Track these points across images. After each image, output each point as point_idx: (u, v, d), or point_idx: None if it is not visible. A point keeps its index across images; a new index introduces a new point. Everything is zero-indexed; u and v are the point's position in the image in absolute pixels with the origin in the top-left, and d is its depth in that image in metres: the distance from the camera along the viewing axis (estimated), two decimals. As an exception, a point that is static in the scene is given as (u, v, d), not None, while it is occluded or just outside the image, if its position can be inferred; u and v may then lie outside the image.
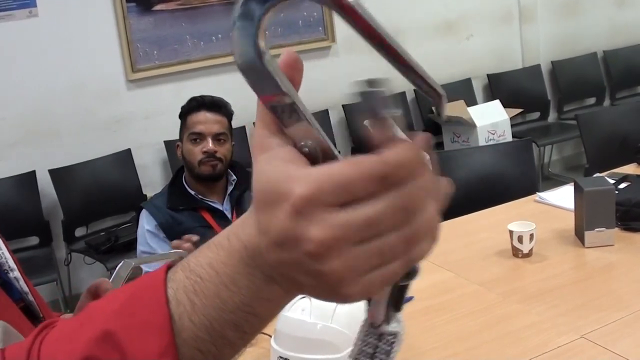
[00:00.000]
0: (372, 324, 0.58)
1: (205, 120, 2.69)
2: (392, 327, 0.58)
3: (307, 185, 0.47)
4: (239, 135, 4.53)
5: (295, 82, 0.53)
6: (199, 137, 2.68)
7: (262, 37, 0.51)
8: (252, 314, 0.55)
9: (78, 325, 0.58)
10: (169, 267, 0.58)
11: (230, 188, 2.78)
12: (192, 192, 2.72)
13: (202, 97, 2.77)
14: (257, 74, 0.51)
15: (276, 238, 0.49)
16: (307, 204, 0.46)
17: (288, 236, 0.48)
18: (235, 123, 4.36)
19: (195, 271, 0.55)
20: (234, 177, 2.79)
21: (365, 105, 0.48)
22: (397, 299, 0.57)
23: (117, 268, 1.46)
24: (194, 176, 2.71)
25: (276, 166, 0.50)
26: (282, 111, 0.52)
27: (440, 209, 0.51)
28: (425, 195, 0.49)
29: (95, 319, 0.57)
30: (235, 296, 0.54)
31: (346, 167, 0.47)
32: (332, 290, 0.49)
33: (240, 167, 2.83)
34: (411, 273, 0.53)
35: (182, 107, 2.77)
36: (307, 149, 0.51)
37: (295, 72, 0.53)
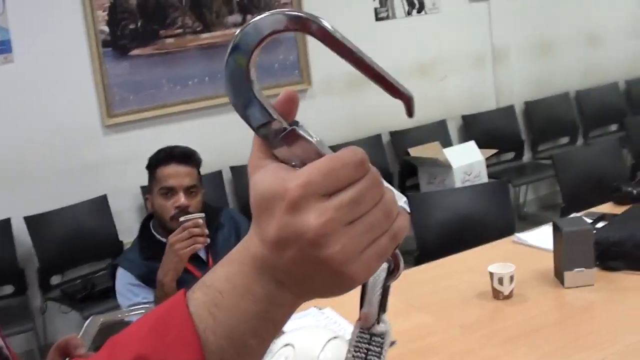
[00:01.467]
0: (362, 327, 0.64)
1: (176, 174, 2.61)
2: (381, 327, 0.64)
3: (298, 180, 0.54)
4: (215, 180, 4.52)
5: (292, 114, 0.60)
6: (170, 192, 2.61)
7: (253, 68, 0.59)
8: (269, 320, 0.59)
9: (107, 357, 0.61)
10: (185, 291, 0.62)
11: None
12: (164, 240, 2.67)
13: (170, 148, 2.70)
14: (247, 102, 0.59)
15: (278, 238, 0.55)
16: (301, 196, 0.54)
17: (289, 232, 0.54)
18: (211, 167, 4.38)
19: (213, 286, 0.60)
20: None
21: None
22: (384, 299, 0.64)
23: (85, 324, 1.44)
24: (166, 230, 2.65)
25: (269, 176, 0.57)
26: (273, 137, 0.58)
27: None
28: (381, 179, 0.57)
29: (124, 347, 0.60)
30: (252, 305, 0.58)
31: (328, 160, 0.55)
32: (338, 274, 0.55)
33: (209, 207, 2.77)
34: (395, 271, 0.62)
35: (150, 159, 2.70)
36: (296, 166, 0.57)
37: (292, 105, 0.61)
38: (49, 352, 1.27)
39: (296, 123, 0.59)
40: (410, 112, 0.59)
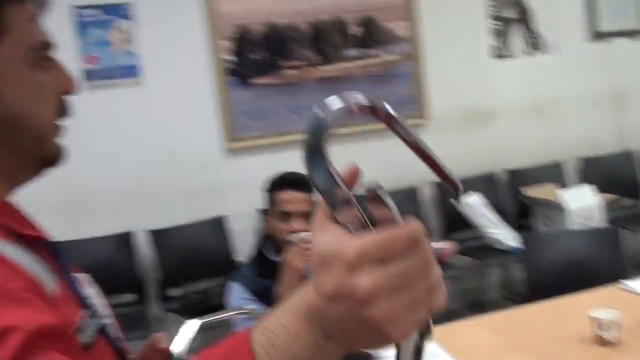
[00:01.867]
0: None
1: (293, 200, 2.70)
2: None
3: (357, 246, 0.61)
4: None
5: (354, 185, 0.69)
6: (286, 216, 2.70)
7: (328, 143, 0.68)
8: None
9: None
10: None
11: None
12: (278, 260, 2.77)
13: (289, 174, 2.78)
14: (319, 170, 0.68)
15: (333, 292, 0.62)
16: (358, 260, 0.61)
17: (343, 288, 0.61)
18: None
19: (269, 329, 0.69)
20: None
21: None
22: (418, 356, 0.70)
23: (181, 327, 1.53)
24: (280, 251, 2.75)
25: (331, 237, 0.65)
26: (337, 202, 0.67)
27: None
28: (432, 257, 0.64)
29: None
30: (301, 350, 0.67)
31: (385, 234, 0.62)
32: (378, 333, 0.62)
33: None
34: (427, 334, 0.68)
35: (268, 183, 2.81)
36: (352, 230, 0.66)
37: (355, 178, 0.70)
38: (142, 346, 1.37)
39: (361, 193, 0.68)
40: (457, 200, 0.68)
